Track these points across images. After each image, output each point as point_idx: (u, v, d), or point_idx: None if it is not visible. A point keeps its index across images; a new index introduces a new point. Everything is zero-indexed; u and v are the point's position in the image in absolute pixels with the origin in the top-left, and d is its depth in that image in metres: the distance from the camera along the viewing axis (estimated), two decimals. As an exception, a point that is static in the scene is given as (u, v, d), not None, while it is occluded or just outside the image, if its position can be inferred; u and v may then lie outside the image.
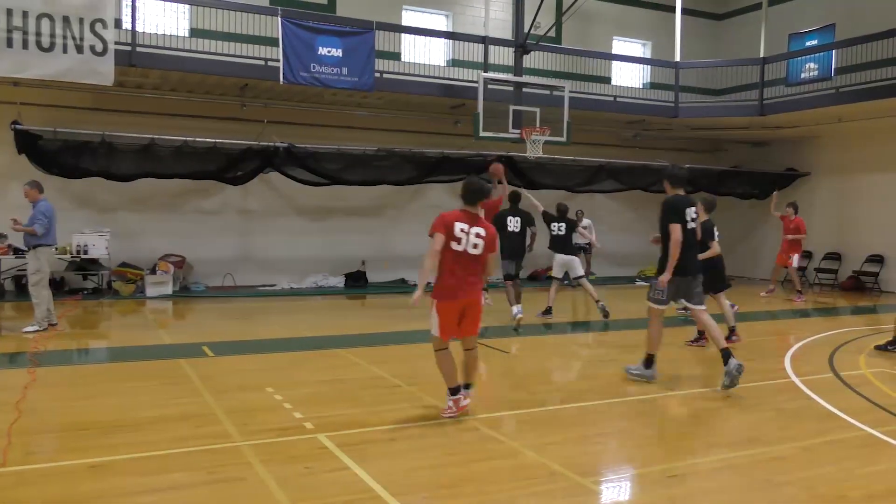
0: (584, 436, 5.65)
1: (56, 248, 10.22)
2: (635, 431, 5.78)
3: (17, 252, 12.27)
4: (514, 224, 11.10)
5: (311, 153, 14.39)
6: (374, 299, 14.60)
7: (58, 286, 13.75)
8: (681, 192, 7.27)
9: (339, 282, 15.98)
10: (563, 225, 11.68)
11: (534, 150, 14.40)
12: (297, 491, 4.31)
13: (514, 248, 11.03)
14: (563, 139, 14.77)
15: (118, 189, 14.03)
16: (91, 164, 13.03)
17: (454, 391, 5.85)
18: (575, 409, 6.43)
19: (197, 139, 13.60)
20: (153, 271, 13.88)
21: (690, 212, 7.13)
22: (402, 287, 16.17)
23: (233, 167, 14.03)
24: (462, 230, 5.73)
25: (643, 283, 18.57)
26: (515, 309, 10.61)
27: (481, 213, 5.99)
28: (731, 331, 9.53)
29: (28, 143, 12.56)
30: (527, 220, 11.26)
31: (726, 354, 6.94)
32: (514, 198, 11.46)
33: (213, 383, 6.96)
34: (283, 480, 4.46)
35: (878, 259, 17.06)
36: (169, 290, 13.86)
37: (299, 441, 5.24)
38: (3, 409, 5.88)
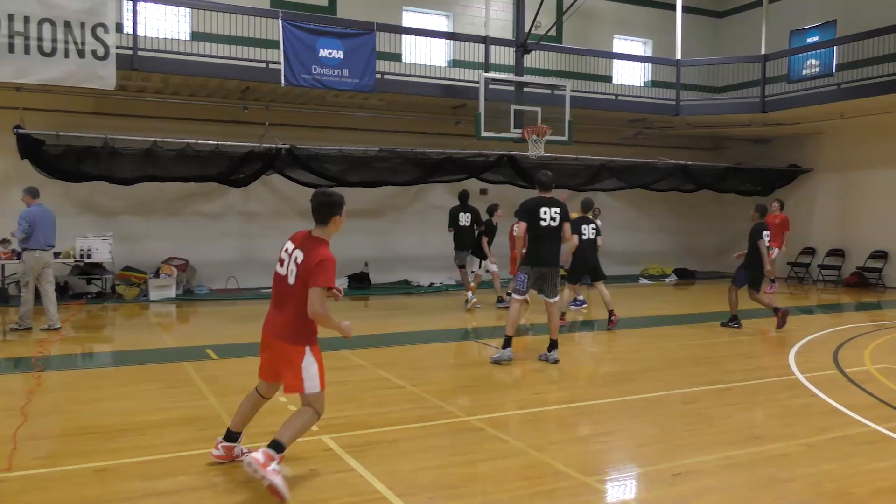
0: (588, 435, 5.65)
1: (41, 252, 10.24)
2: (639, 430, 5.77)
3: (20, 257, 12.26)
4: (465, 219, 13.11)
5: (313, 155, 14.40)
6: (377, 300, 14.60)
7: (62, 290, 13.79)
8: (546, 194, 8.19)
9: (342, 283, 15.99)
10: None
11: (536, 150, 14.40)
12: (302, 493, 4.32)
13: (465, 241, 13.10)
14: (565, 138, 14.76)
15: (121, 193, 14.05)
16: (93, 169, 13.05)
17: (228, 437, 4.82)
18: (578, 408, 6.43)
19: (199, 142, 13.62)
20: (156, 275, 13.90)
21: (549, 211, 8.08)
22: (405, 288, 16.18)
23: (235, 170, 14.04)
24: (286, 250, 4.60)
25: (647, 282, 18.57)
26: (469, 294, 12.94)
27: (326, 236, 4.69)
28: (611, 313, 10.97)
29: (31, 148, 12.58)
30: (476, 218, 13.14)
31: (553, 343, 8.31)
32: (464, 196, 13.36)
33: (218, 386, 6.98)
34: (288, 483, 4.46)
35: (881, 255, 17.03)
36: (172, 293, 13.88)
37: (304, 443, 5.24)
38: (8, 414, 5.90)
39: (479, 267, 13.20)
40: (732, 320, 11.05)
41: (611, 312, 10.90)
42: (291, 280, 4.46)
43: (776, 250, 15.14)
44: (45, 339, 9.42)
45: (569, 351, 9.51)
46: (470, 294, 12.90)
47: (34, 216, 10.19)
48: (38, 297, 10.41)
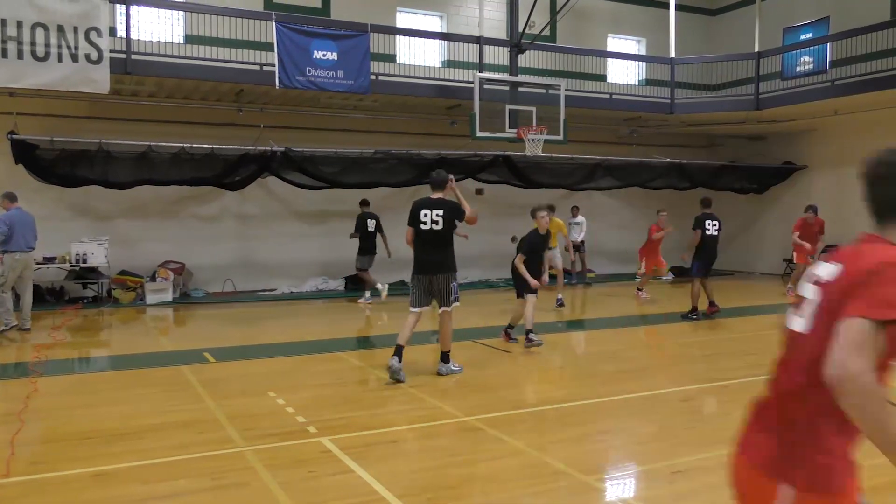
0: (587, 434, 5.65)
1: (21, 254, 10.34)
2: (638, 428, 5.78)
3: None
4: (371, 225, 13.77)
5: (308, 157, 14.39)
6: (373, 302, 14.58)
7: (58, 295, 13.78)
8: (435, 194, 7.51)
9: (339, 285, 15.97)
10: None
11: (533, 149, 14.41)
12: (301, 495, 4.31)
13: (369, 246, 13.78)
14: (560, 137, 14.77)
15: (116, 197, 14.02)
16: (88, 173, 13.02)
17: None
18: (577, 407, 6.43)
19: (194, 145, 13.60)
20: (153, 278, 13.87)
21: (430, 213, 7.35)
22: (402, 289, 16.14)
23: (230, 173, 14.02)
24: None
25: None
26: (379, 286, 13.67)
27: None
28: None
29: (25, 153, 12.55)
30: (379, 224, 13.85)
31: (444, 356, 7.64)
32: (366, 203, 14.09)
33: (215, 389, 6.96)
34: (287, 485, 4.46)
35: (877, 251, 17.04)
36: (169, 296, 13.85)
37: (302, 445, 5.24)
38: (5, 420, 5.88)
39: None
40: (693, 312, 11.48)
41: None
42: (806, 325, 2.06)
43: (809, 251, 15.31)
44: (41, 344, 9.39)
45: (568, 350, 9.51)
46: (379, 286, 13.61)
47: (13, 219, 10.33)
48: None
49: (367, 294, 13.84)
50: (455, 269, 7.42)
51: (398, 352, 7.14)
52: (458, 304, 7.43)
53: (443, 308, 7.40)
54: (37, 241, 10.72)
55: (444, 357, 7.57)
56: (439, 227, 7.30)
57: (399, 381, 6.98)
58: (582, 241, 17.05)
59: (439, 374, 7.43)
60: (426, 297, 7.36)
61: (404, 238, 7.51)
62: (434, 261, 7.33)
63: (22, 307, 10.48)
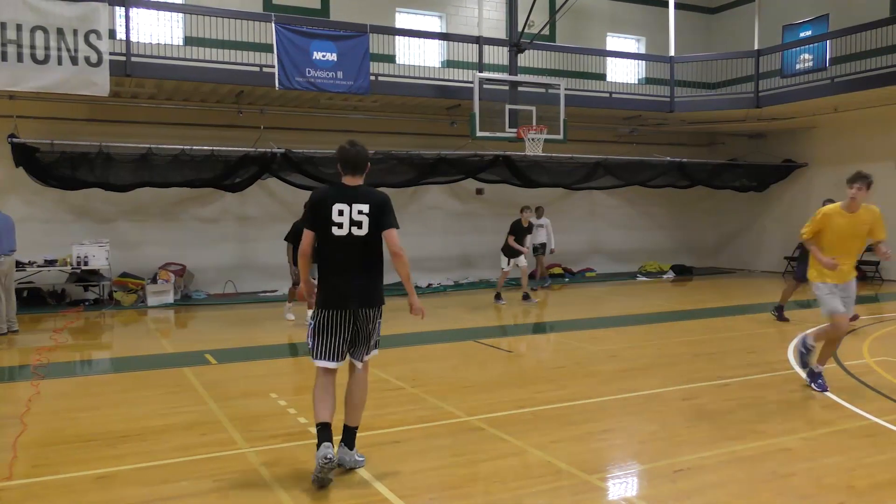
0: (589, 433, 5.65)
1: (4, 257, 10.39)
2: (639, 427, 5.78)
3: (18, 265, 12.26)
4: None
5: (308, 158, 14.40)
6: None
7: (59, 298, 13.79)
8: (351, 180, 4.76)
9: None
10: None
11: (533, 148, 14.41)
12: (304, 496, 4.32)
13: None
14: (560, 137, 14.77)
15: (116, 199, 14.04)
16: (89, 176, 13.03)
17: None
18: (578, 406, 6.43)
19: (194, 147, 13.61)
20: (154, 280, 13.88)
21: (348, 210, 4.63)
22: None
23: (230, 174, 14.03)
24: None
25: (645, 279, 18.58)
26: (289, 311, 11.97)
27: None
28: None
29: (25, 156, 12.56)
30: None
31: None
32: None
33: (217, 391, 6.97)
34: (289, 486, 4.46)
35: (878, 248, 17.03)
36: (170, 298, 13.86)
37: (304, 446, 5.23)
38: (8, 423, 5.88)
39: (508, 264, 13.69)
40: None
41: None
42: None
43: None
44: (42, 347, 9.40)
45: (569, 349, 9.51)
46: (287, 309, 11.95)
47: None
48: (31, 304, 10.38)
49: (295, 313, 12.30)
50: (383, 298, 4.83)
51: (326, 434, 4.49)
52: (376, 351, 4.87)
53: (368, 356, 4.81)
54: (15, 243, 10.70)
55: (351, 437, 4.76)
56: (363, 231, 4.64)
57: (327, 481, 4.45)
58: (542, 244, 16.47)
59: (340, 464, 4.67)
60: (342, 339, 4.66)
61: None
62: (357, 286, 4.66)
63: (6, 311, 10.45)
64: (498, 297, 13.85)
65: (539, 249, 16.44)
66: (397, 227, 4.74)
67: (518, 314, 12.72)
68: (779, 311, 11.14)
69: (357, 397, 4.79)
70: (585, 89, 16.86)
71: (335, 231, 4.62)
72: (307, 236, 4.71)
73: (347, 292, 4.64)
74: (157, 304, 13.64)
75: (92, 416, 6.15)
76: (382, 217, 4.69)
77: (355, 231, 4.64)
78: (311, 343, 4.70)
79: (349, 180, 4.75)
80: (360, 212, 4.64)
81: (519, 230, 13.62)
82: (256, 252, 15.69)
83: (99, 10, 11.78)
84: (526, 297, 13.92)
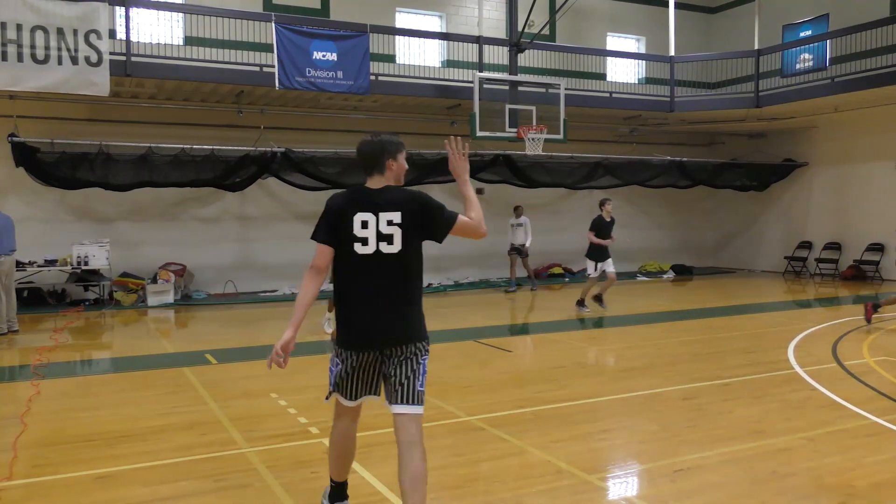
0: (589, 433, 5.65)
1: (5, 257, 10.40)
2: (640, 427, 5.78)
3: (18, 265, 12.26)
4: None
5: (308, 158, 14.40)
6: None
7: (59, 298, 13.79)
8: (374, 182, 3.71)
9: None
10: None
11: (533, 148, 14.41)
12: (304, 496, 4.32)
13: None
14: (560, 136, 14.77)
15: (117, 199, 14.04)
16: (89, 175, 13.03)
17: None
18: (578, 406, 6.43)
19: (194, 147, 13.61)
20: (154, 280, 13.88)
21: (373, 220, 3.58)
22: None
23: (230, 174, 14.03)
24: None
25: (645, 279, 18.58)
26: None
27: None
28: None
29: (25, 156, 12.56)
30: None
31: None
32: None
33: (217, 391, 6.97)
34: (290, 486, 4.47)
35: (878, 248, 17.06)
36: (170, 298, 13.86)
37: (305, 446, 5.24)
38: (8, 423, 5.89)
39: (596, 269, 12.31)
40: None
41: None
42: None
43: None
44: (43, 347, 9.40)
45: (568, 349, 9.51)
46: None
47: None
48: (33, 304, 10.39)
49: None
50: (426, 333, 3.74)
51: (339, 495, 4.00)
52: (420, 409, 3.67)
53: (405, 407, 3.62)
54: (15, 243, 10.70)
55: None
56: (394, 247, 3.59)
57: None
58: (522, 244, 15.68)
59: None
60: (367, 384, 3.72)
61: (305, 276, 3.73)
62: (387, 319, 3.60)
63: (6, 311, 10.45)
64: (581, 303, 12.28)
65: (521, 250, 15.73)
66: (456, 215, 3.69)
67: (518, 314, 12.72)
68: None
69: (419, 471, 3.53)
70: (585, 89, 16.85)
71: (358, 248, 3.57)
72: (323, 253, 3.64)
73: (374, 327, 3.57)
74: (157, 304, 13.64)
75: (92, 416, 6.15)
76: (424, 224, 3.61)
77: (384, 247, 3.57)
78: (332, 383, 3.79)
79: (374, 181, 3.70)
80: (389, 222, 3.56)
81: (601, 226, 12.25)
82: (256, 252, 15.69)
83: (99, 9, 11.78)
84: (595, 300, 12.38)
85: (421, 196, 3.71)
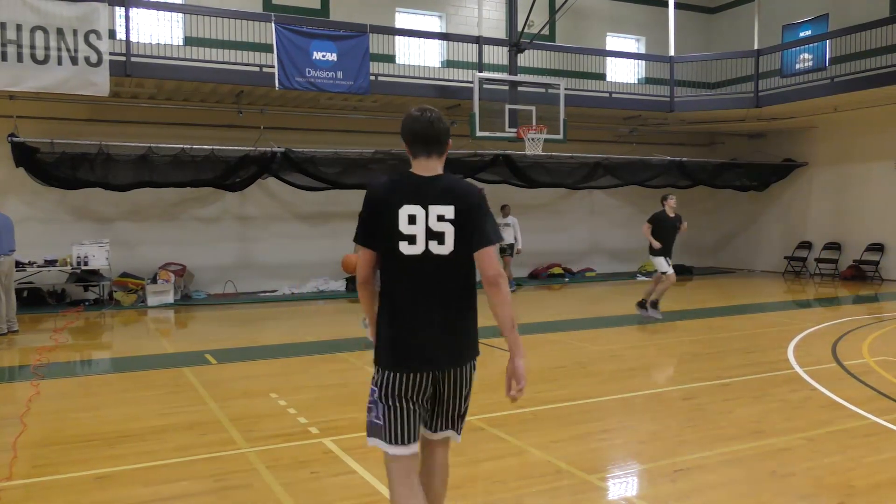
0: (589, 433, 5.65)
1: (4, 257, 10.40)
2: (640, 427, 5.78)
3: (18, 265, 12.27)
4: None
5: (308, 158, 14.40)
6: (375, 302, 14.59)
7: (59, 298, 13.79)
8: (423, 168, 3.12)
9: (340, 286, 15.97)
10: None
11: (533, 148, 14.41)
12: (304, 496, 4.32)
13: None
14: (560, 136, 14.77)
15: (117, 199, 14.04)
16: (89, 175, 13.04)
17: None
18: (578, 406, 6.43)
19: (194, 147, 13.61)
20: (154, 280, 13.88)
21: (422, 214, 3.03)
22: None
23: (230, 174, 14.04)
24: None
25: (644, 278, 18.58)
26: None
27: None
28: None
29: (25, 156, 12.56)
30: None
31: None
32: None
33: (217, 391, 6.97)
34: (290, 486, 4.46)
35: (878, 248, 17.06)
36: (170, 298, 13.86)
37: (305, 446, 5.24)
38: (8, 423, 5.89)
39: (668, 264, 11.20)
40: None
41: None
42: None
43: None
44: (43, 347, 9.40)
45: (568, 349, 9.51)
46: None
47: None
48: (32, 304, 10.38)
49: None
50: (477, 347, 3.29)
51: None
52: (458, 437, 3.37)
53: (449, 433, 3.31)
54: (14, 243, 10.70)
55: None
56: (445, 247, 3.06)
57: None
58: (510, 245, 15.35)
59: None
60: (419, 415, 3.16)
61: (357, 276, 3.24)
62: (438, 334, 3.10)
63: (6, 311, 10.46)
64: (654, 305, 11.23)
65: (507, 250, 15.45)
66: (495, 241, 3.05)
67: (517, 314, 12.73)
68: None
69: (441, 483, 3.41)
70: (585, 89, 16.86)
71: (404, 248, 3.02)
72: (365, 258, 3.12)
73: (424, 345, 3.05)
74: (157, 304, 13.64)
75: (92, 416, 6.15)
76: (476, 226, 3.03)
77: (435, 248, 3.02)
78: (372, 417, 3.23)
79: (422, 167, 3.10)
80: (440, 217, 3.02)
81: (661, 221, 11.12)
82: (256, 252, 15.70)
83: (99, 10, 11.79)
84: (650, 304, 11.30)
85: (477, 192, 3.13)
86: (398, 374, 3.09)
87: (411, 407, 3.12)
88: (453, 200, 3.04)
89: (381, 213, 3.06)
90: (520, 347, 3.20)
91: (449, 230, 3.03)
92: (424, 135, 3.10)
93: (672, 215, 11.20)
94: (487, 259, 3.03)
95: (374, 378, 3.22)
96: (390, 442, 3.15)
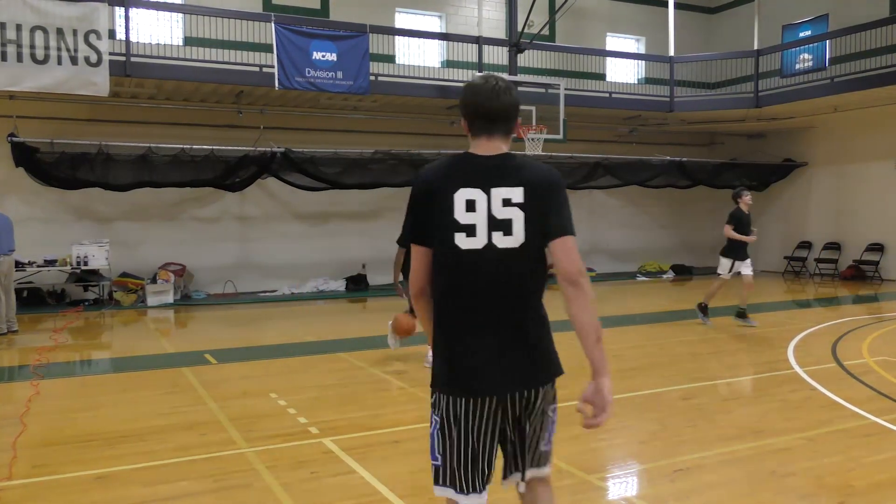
0: (588, 433, 5.64)
1: (4, 257, 10.39)
2: (639, 427, 5.78)
3: (18, 265, 12.27)
4: None
5: (308, 158, 14.41)
6: (375, 302, 14.59)
7: (59, 298, 13.79)
8: (484, 147, 2.59)
9: (339, 286, 15.98)
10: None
11: (533, 148, 14.41)
12: (303, 496, 4.31)
13: None
14: (560, 136, 14.77)
15: (116, 199, 14.04)
16: (89, 175, 13.04)
17: None
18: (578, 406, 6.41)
19: (194, 147, 13.62)
20: (154, 280, 13.88)
21: (483, 199, 2.50)
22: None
23: (230, 174, 14.04)
24: None
25: (644, 278, 18.58)
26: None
27: None
28: None
29: (25, 156, 12.56)
30: None
31: None
32: None
33: (217, 391, 6.97)
34: (289, 486, 4.46)
35: (877, 247, 17.07)
36: (170, 298, 13.86)
37: (304, 446, 5.24)
38: (7, 423, 5.88)
39: (730, 270, 10.57)
40: None
41: None
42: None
43: None
44: (42, 347, 9.40)
45: (568, 349, 9.53)
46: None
47: None
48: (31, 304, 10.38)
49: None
50: (559, 365, 2.94)
51: None
52: (548, 468, 2.83)
53: (534, 471, 2.78)
54: (13, 243, 10.71)
55: None
56: (513, 239, 2.51)
57: None
58: None
59: None
60: (490, 451, 2.62)
61: (396, 260, 2.80)
62: (505, 349, 2.59)
63: (6, 311, 10.46)
64: (704, 310, 10.68)
65: None
66: (573, 234, 2.53)
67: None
68: None
69: None
70: (585, 89, 16.86)
71: (461, 241, 2.47)
72: (420, 260, 2.58)
73: (487, 362, 2.51)
74: (156, 304, 13.64)
75: (91, 416, 6.15)
76: (552, 210, 2.50)
77: (499, 239, 2.47)
78: (433, 455, 2.68)
79: (483, 146, 2.56)
80: (506, 201, 2.47)
81: (741, 220, 10.45)
82: (256, 252, 15.70)
83: (98, 10, 11.79)
84: (742, 314, 10.59)
85: (553, 173, 2.56)
86: (459, 400, 2.53)
87: (479, 441, 2.55)
88: (523, 181, 2.48)
89: (431, 201, 2.51)
90: (606, 365, 2.70)
91: (517, 216, 2.47)
92: (488, 108, 2.53)
93: (748, 212, 10.54)
94: (567, 251, 2.48)
95: (434, 404, 2.67)
96: (446, 484, 2.64)
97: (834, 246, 18.07)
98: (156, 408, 6.38)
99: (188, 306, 13.85)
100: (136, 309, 13.41)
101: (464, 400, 2.52)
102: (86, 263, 13.14)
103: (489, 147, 2.55)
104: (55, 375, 7.81)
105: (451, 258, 2.49)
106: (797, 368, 7.67)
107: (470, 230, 2.47)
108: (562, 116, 14.81)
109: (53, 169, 12.83)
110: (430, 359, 6.40)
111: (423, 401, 6.52)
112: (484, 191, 2.47)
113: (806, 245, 18.72)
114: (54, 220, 13.87)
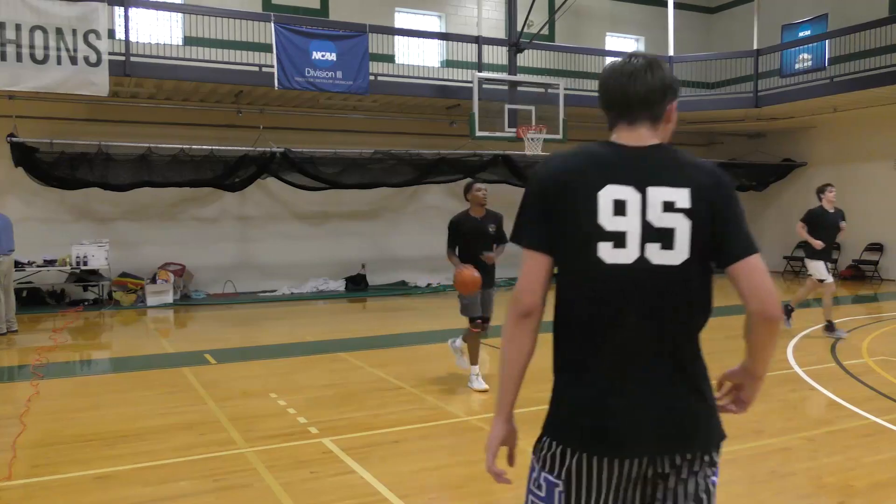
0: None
1: (3, 256, 10.37)
2: (640, 427, 5.77)
3: (18, 265, 12.27)
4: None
5: (307, 158, 14.41)
6: (374, 302, 14.59)
7: (58, 298, 13.78)
8: (639, 133, 2.03)
9: (339, 285, 15.98)
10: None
11: (533, 148, 14.41)
12: (303, 496, 4.32)
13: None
14: (560, 136, 14.77)
15: (116, 199, 14.03)
16: (88, 175, 13.03)
17: None
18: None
19: (193, 147, 13.62)
20: (153, 280, 13.87)
21: (642, 199, 1.91)
22: (403, 289, 16.17)
23: (230, 174, 14.04)
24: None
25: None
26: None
27: None
28: None
29: (24, 156, 12.56)
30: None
31: None
32: None
33: (217, 391, 6.97)
34: (289, 486, 4.46)
35: (877, 247, 17.07)
36: (170, 298, 13.85)
37: (304, 446, 5.24)
38: (7, 422, 5.88)
39: (828, 271, 9.78)
40: None
41: None
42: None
43: None
44: (42, 347, 9.40)
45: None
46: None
47: None
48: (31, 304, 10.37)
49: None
50: (722, 429, 2.06)
51: None
52: None
53: None
54: (13, 243, 10.70)
55: None
56: (675, 254, 1.90)
57: None
58: None
59: None
60: None
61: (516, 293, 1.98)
62: (657, 396, 1.96)
63: (5, 311, 10.45)
64: (830, 328, 9.40)
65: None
66: (759, 251, 1.95)
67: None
68: None
69: None
70: (585, 89, 16.84)
71: (606, 253, 1.91)
72: (535, 270, 1.99)
73: (640, 413, 1.95)
74: (156, 303, 13.64)
75: (91, 416, 6.15)
76: (732, 221, 1.94)
77: (655, 254, 1.92)
78: None
79: (629, 135, 2.03)
80: (668, 205, 1.92)
81: (820, 218, 9.45)
82: (256, 252, 15.69)
83: (98, 9, 11.78)
84: (825, 327, 9.50)
85: (724, 173, 2.00)
86: (590, 459, 1.97)
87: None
88: (690, 180, 1.92)
89: (566, 199, 1.93)
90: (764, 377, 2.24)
91: (682, 226, 1.90)
92: (622, 93, 2.03)
93: (832, 210, 9.45)
94: (758, 277, 1.93)
95: (536, 464, 2.23)
96: None
97: (834, 246, 18.04)
98: (155, 408, 6.39)
99: (188, 306, 13.85)
100: (135, 309, 13.40)
101: (598, 460, 1.94)
102: (85, 263, 13.13)
103: (640, 136, 2.00)
104: (55, 375, 7.81)
105: (591, 275, 1.91)
106: (797, 368, 7.67)
107: (618, 240, 1.89)
108: (562, 116, 14.81)
109: (53, 169, 12.83)
110: (475, 382, 6.71)
111: (423, 400, 6.53)
112: (638, 189, 1.91)
113: (806, 245, 18.70)
114: (54, 219, 13.86)
